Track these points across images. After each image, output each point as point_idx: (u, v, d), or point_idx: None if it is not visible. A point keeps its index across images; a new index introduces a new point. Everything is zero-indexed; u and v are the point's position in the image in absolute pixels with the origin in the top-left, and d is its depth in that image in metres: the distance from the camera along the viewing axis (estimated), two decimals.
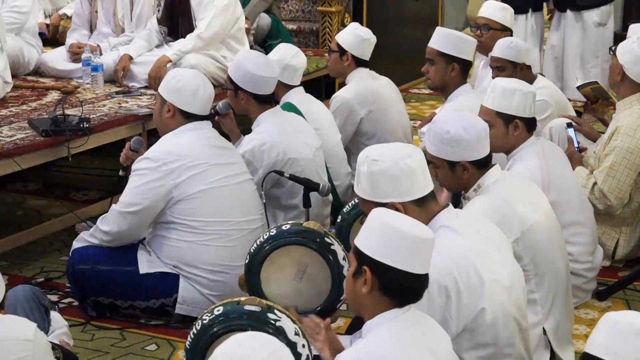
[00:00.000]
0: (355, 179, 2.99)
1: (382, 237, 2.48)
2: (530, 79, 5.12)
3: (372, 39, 5.41)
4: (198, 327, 2.86)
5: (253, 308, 2.80)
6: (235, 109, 4.61)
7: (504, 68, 5.09)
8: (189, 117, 4.05)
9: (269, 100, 4.53)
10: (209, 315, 2.86)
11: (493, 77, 5.12)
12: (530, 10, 7.10)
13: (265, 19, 6.70)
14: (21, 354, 2.39)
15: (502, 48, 5.13)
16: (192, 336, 2.87)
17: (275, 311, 2.80)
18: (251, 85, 4.44)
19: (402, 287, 2.49)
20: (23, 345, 2.40)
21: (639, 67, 4.64)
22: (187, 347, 2.88)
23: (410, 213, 2.89)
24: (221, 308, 2.87)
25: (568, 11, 7.09)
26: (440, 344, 2.60)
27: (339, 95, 5.35)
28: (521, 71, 5.08)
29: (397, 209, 2.89)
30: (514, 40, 5.23)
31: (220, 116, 4.58)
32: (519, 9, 6.90)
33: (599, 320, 2.13)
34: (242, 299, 2.91)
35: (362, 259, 2.51)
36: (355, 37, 5.37)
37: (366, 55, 5.40)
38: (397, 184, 2.90)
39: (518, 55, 5.09)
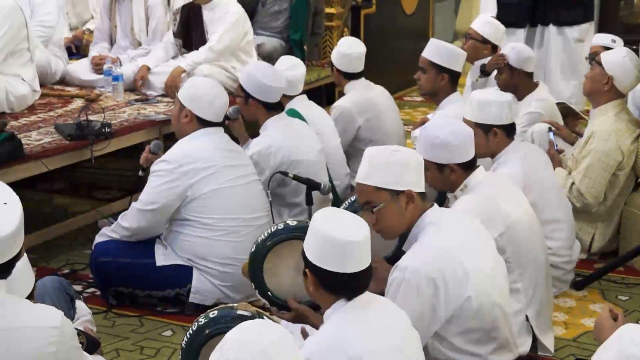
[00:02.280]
0: (365, 171, 2.97)
1: (315, 241, 2.52)
2: (530, 85, 5.14)
3: (352, 54, 5.31)
4: (194, 328, 2.87)
5: (244, 313, 2.81)
6: (244, 115, 4.62)
7: (502, 71, 5.10)
8: (204, 123, 4.06)
9: (275, 107, 4.54)
10: (204, 318, 2.87)
11: (495, 79, 5.13)
12: (527, 24, 7.09)
13: (269, 44, 6.58)
14: (49, 339, 2.41)
15: (506, 51, 5.14)
16: (188, 336, 2.87)
17: (264, 317, 2.81)
18: (261, 94, 4.46)
19: (339, 286, 2.53)
20: (51, 332, 2.42)
21: (628, 80, 4.66)
22: (183, 346, 2.89)
23: (417, 203, 2.96)
24: (216, 312, 2.87)
25: (551, 25, 7.09)
26: (396, 320, 2.62)
27: (339, 104, 5.35)
28: (518, 76, 5.08)
29: (411, 196, 2.93)
30: (517, 46, 5.21)
31: (231, 121, 4.60)
32: (517, 22, 6.91)
33: (613, 337, 2.00)
34: (236, 305, 2.92)
35: (305, 261, 2.55)
36: (337, 53, 5.36)
37: (351, 68, 5.32)
38: (413, 174, 2.96)
39: (517, 61, 5.09)
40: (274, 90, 4.48)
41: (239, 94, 4.56)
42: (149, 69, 5.77)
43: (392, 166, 2.94)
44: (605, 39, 5.53)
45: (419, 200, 2.97)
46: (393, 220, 2.97)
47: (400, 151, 2.97)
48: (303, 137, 4.58)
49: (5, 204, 2.36)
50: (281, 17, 6.76)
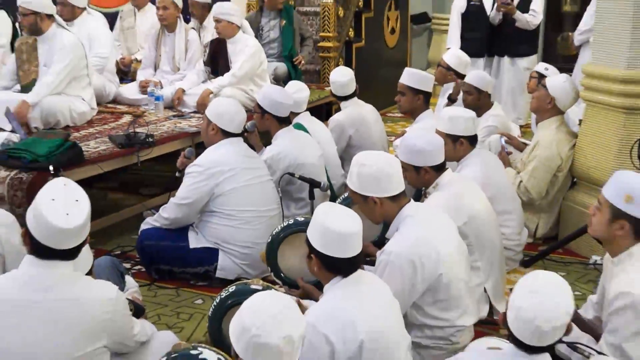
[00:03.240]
0: (349, 175, 3.02)
1: (318, 232, 2.52)
2: (488, 104, 5.14)
3: (338, 81, 5.29)
4: (217, 301, 2.87)
5: (257, 287, 2.82)
6: (260, 127, 4.62)
7: (471, 92, 5.09)
8: (227, 134, 4.05)
9: (285, 121, 4.53)
10: (225, 292, 2.87)
11: (463, 99, 5.12)
12: (485, 55, 7.12)
13: (281, 68, 6.62)
14: (107, 308, 2.42)
15: (473, 77, 5.12)
16: (213, 307, 2.88)
17: (273, 290, 2.81)
18: (274, 109, 4.45)
19: (339, 267, 2.53)
20: (108, 302, 2.44)
21: (567, 100, 4.68)
22: (210, 315, 2.89)
23: (385, 205, 2.95)
24: (234, 287, 2.88)
25: (505, 57, 7.11)
26: (382, 293, 2.63)
27: (335, 118, 5.34)
28: (483, 97, 5.08)
29: (375, 202, 2.93)
30: (480, 73, 5.23)
31: (249, 133, 4.59)
32: (477, 54, 6.92)
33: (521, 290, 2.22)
34: (249, 280, 2.93)
35: (310, 247, 2.55)
36: (331, 80, 5.35)
37: (341, 92, 5.30)
38: (378, 184, 2.93)
39: (483, 85, 5.09)
40: (284, 106, 4.48)
41: (256, 110, 4.56)
42: (184, 91, 5.76)
43: (360, 177, 2.94)
44: (540, 67, 5.57)
45: (387, 202, 2.95)
46: (369, 215, 2.99)
47: (367, 165, 2.93)
48: (306, 145, 4.57)
49: (77, 201, 2.39)
50: (275, 44, 6.75)
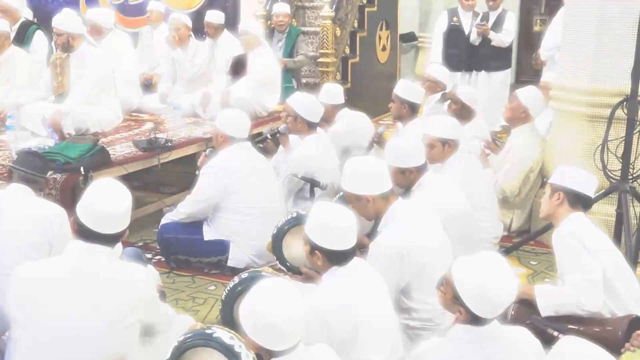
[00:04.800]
0: (342, 178, 3.01)
1: (319, 229, 2.52)
2: (471, 114, 5.09)
3: (328, 92, 5.12)
4: (231, 285, 2.85)
5: (267, 274, 2.81)
6: (292, 130, 4.49)
7: (457, 103, 5.05)
8: (234, 139, 4.05)
9: (315, 126, 4.44)
10: (238, 278, 2.86)
11: (449, 108, 5.09)
12: (463, 69, 7.11)
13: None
14: (139, 286, 2.46)
15: (464, 93, 5.07)
16: (227, 291, 2.86)
17: (280, 276, 2.81)
18: (308, 114, 4.36)
19: (339, 258, 2.53)
20: (140, 281, 2.48)
21: (537, 109, 4.69)
22: (222, 298, 2.88)
23: (376, 202, 2.94)
24: (247, 274, 2.87)
25: (482, 71, 7.11)
26: (373, 279, 2.63)
27: (333, 129, 5.16)
28: (467, 110, 5.05)
29: (367, 200, 2.92)
30: (470, 90, 5.21)
31: (281, 134, 4.54)
32: (456, 68, 6.91)
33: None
34: (260, 268, 2.92)
35: (311, 243, 2.54)
36: (327, 92, 5.13)
37: (337, 100, 5.14)
38: (368, 182, 2.93)
39: (470, 101, 5.05)
40: (317, 112, 4.40)
41: (290, 114, 4.41)
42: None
43: (352, 178, 2.93)
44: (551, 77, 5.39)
45: (377, 199, 2.93)
46: (363, 212, 2.97)
47: (356, 167, 2.93)
48: (328, 154, 4.48)
49: (120, 193, 2.47)
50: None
